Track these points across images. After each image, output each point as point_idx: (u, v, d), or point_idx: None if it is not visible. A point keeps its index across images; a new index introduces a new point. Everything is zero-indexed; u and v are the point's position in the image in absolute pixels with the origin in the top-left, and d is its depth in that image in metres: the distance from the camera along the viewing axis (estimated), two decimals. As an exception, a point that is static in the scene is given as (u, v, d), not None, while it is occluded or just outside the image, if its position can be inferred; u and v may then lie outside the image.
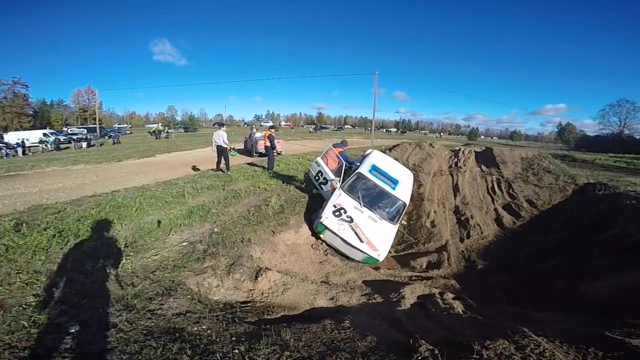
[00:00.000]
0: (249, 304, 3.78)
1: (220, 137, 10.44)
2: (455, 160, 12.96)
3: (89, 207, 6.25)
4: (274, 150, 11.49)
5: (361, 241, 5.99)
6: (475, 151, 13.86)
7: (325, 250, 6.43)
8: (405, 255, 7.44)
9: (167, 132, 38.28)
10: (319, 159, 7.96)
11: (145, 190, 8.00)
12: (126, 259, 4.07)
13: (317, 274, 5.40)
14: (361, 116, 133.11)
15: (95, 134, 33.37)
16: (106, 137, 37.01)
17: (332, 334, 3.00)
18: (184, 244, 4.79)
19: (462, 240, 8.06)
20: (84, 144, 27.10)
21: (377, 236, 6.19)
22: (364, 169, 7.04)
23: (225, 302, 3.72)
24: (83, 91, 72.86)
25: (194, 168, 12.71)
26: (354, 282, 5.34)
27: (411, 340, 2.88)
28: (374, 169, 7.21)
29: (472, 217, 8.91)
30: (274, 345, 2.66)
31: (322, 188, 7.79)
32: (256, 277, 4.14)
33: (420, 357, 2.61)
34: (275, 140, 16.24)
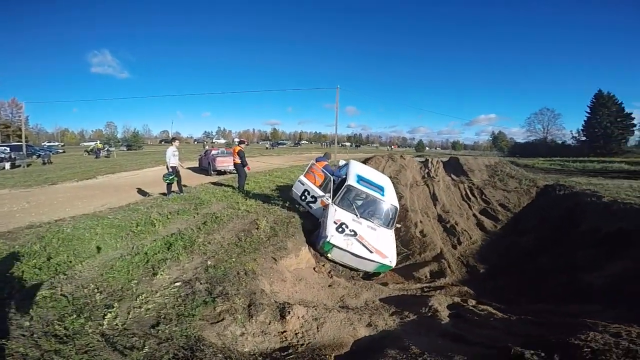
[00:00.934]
0: (289, 351, 3.06)
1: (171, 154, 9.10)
2: (427, 170, 13.33)
3: (29, 241, 4.87)
4: (246, 168, 10.49)
5: (370, 252, 5.90)
6: (442, 161, 14.46)
7: (329, 272, 5.87)
8: (405, 267, 7.17)
9: (107, 150, 34.09)
10: (302, 178, 7.46)
11: (101, 218, 6.59)
12: (109, 312, 3.08)
13: (331, 300, 4.77)
14: (316, 131, 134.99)
15: (21, 152, 28.30)
16: (34, 156, 31.70)
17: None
18: (177, 284, 3.83)
19: (454, 247, 8.06)
20: (7, 165, 22.62)
21: (382, 244, 6.19)
22: (352, 181, 6.94)
23: (260, 352, 2.98)
24: (6, 104, 62.51)
25: (140, 191, 11.12)
26: (373, 302, 4.86)
27: (512, 350, 2.63)
28: (361, 179, 7.23)
29: (457, 224, 9.03)
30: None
31: (311, 207, 7.36)
32: (283, 316, 3.40)
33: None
34: (221, 158, 15.39)
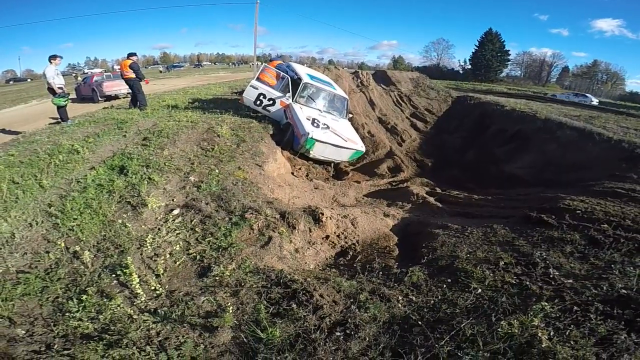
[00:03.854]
0: (350, 254, 2.98)
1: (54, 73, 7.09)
2: (359, 80, 13.44)
3: None
4: (144, 81, 8.61)
5: (345, 140, 6.22)
6: (370, 73, 14.74)
7: (307, 175, 5.79)
8: (363, 166, 7.49)
9: None
10: (254, 82, 6.72)
11: None
12: (125, 277, 2.33)
13: (325, 201, 4.75)
14: (217, 53, 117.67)
15: None
16: None
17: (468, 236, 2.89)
18: (176, 212, 3.10)
19: (400, 144, 8.84)
20: None
21: (349, 133, 6.69)
22: (306, 79, 7.02)
23: (326, 264, 2.81)
24: None
25: (7, 132, 8.33)
26: (362, 198, 5.13)
27: (532, 215, 3.30)
28: (311, 76, 7.38)
29: (396, 125, 9.78)
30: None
31: (268, 110, 6.87)
32: (317, 221, 3.18)
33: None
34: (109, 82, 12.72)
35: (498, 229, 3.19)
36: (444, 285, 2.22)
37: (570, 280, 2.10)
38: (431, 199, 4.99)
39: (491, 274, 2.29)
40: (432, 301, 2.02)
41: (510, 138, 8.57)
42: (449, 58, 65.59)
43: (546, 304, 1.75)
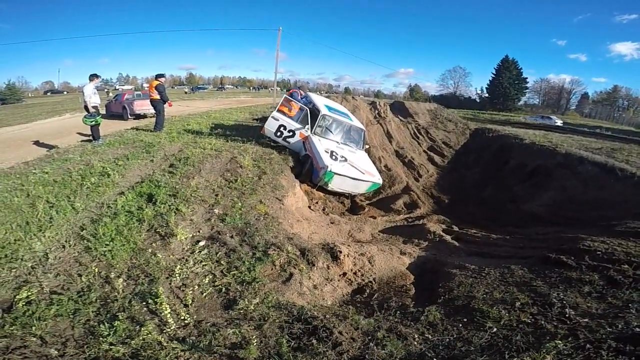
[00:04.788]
0: (367, 291, 3.04)
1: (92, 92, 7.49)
2: (377, 111, 13.71)
3: None
4: (167, 104, 8.88)
5: (362, 173, 6.29)
6: (388, 104, 15.03)
7: (324, 209, 5.84)
8: (379, 201, 7.55)
9: (-27, 107, 25.42)
10: (275, 114, 6.99)
11: (21, 175, 5.00)
12: (157, 305, 2.42)
13: (341, 236, 4.82)
14: (240, 76, 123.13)
15: None
16: None
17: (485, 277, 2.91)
18: (202, 243, 3.25)
19: (417, 179, 8.84)
20: None
21: (366, 164, 6.79)
22: (324, 110, 7.18)
23: (342, 301, 2.85)
24: None
25: (41, 144, 8.81)
26: (379, 235, 5.13)
27: (550, 256, 3.27)
28: (329, 108, 7.53)
29: (413, 159, 9.82)
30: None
31: (288, 142, 7.09)
32: (335, 258, 3.26)
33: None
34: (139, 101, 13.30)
35: (516, 269, 3.21)
36: (460, 325, 2.27)
37: (586, 319, 2.13)
38: (448, 237, 4.99)
39: (507, 314, 2.34)
40: (448, 339, 2.07)
41: (529, 173, 8.48)
42: (465, 86, 65.99)
43: (560, 342, 1.81)
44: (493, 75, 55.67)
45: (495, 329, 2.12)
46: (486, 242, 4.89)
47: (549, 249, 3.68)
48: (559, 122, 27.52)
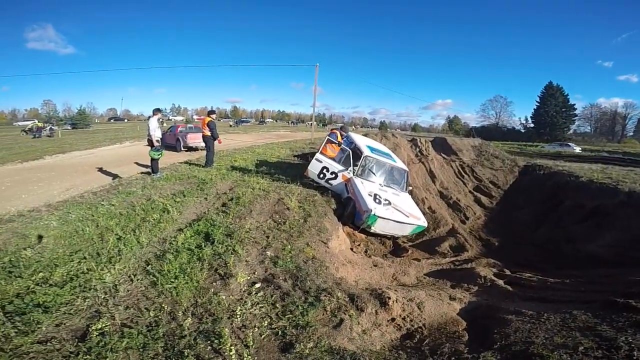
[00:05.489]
0: (416, 337, 2.96)
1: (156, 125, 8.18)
2: (418, 149, 13.55)
3: (11, 243, 4.05)
4: (217, 140, 9.44)
5: (407, 216, 6.23)
6: (429, 141, 14.82)
7: (366, 251, 5.75)
8: (423, 243, 7.25)
9: (50, 129, 29.74)
10: (319, 156, 7.22)
11: (91, 206, 5.63)
12: (223, 346, 2.51)
13: (386, 279, 4.74)
14: (279, 110, 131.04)
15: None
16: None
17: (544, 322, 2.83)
18: (257, 285, 3.40)
19: (463, 222, 8.42)
20: None
21: (410, 207, 6.71)
22: (367, 151, 7.18)
23: (391, 347, 2.79)
24: None
25: (104, 172, 10.00)
26: (424, 278, 4.95)
27: (618, 301, 3.05)
28: (371, 149, 7.54)
29: (459, 201, 9.41)
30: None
31: (331, 184, 7.20)
32: (383, 304, 3.22)
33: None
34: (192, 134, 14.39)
35: (578, 314, 3.02)
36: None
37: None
38: (500, 282, 4.72)
39: (569, 358, 2.23)
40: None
41: (588, 214, 7.73)
42: (508, 116, 62.95)
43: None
44: (537, 104, 52.92)
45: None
46: (543, 286, 4.56)
47: (615, 293, 3.45)
48: (577, 150, 26.56)
